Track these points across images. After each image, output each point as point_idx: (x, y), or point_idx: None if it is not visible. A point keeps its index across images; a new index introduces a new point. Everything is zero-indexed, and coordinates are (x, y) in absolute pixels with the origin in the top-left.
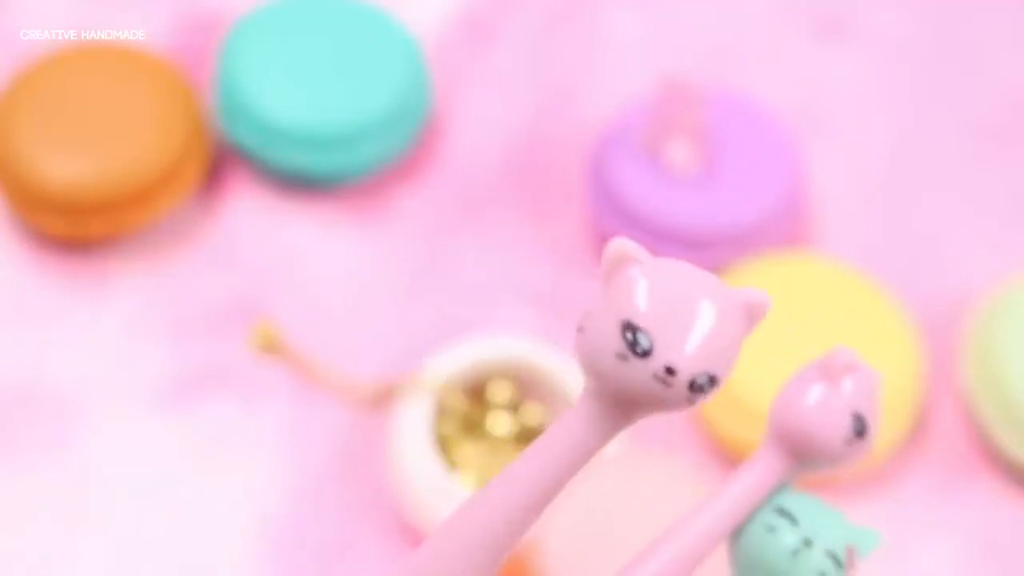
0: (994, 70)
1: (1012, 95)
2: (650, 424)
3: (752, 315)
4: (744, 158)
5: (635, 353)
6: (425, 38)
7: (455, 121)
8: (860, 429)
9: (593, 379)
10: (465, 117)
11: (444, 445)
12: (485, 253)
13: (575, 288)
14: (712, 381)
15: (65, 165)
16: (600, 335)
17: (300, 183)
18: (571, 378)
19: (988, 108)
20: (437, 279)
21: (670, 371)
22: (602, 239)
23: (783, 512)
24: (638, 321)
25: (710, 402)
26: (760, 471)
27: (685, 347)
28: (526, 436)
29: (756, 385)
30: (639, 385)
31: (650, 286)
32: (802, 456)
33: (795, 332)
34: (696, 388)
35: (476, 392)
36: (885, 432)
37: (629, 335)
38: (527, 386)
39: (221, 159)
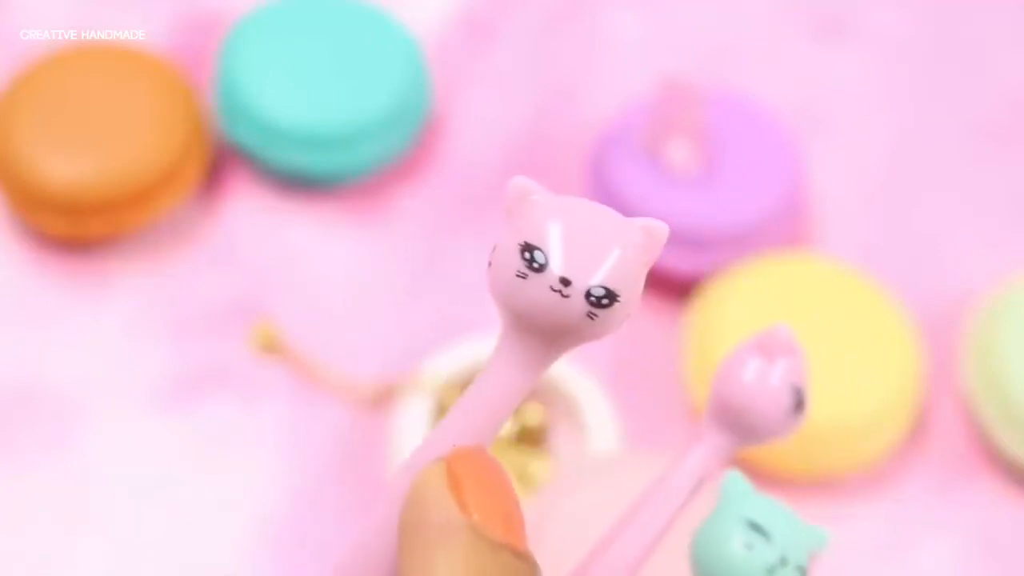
0: (994, 70)
1: (1012, 95)
2: (650, 424)
3: (649, 240)
4: (744, 158)
5: (532, 269)
6: (425, 38)
7: (455, 121)
8: (799, 402)
9: (504, 310)
10: (465, 117)
11: None
12: (485, 253)
13: None
14: (610, 295)
15: (65, 165)
16: (504, 261)
17: (300, 183)
18: (571, 378)
19: (988, 108)
20: (437, 279)
21: (564, 281)
22: None
23: (756, 527)
24: (534, 241)
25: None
26: (705, 450)
27: (577, 258)
28: (526, 436)
29: None
30: (540, 300)
31: (545, 212)
32: (744, 431)
33: (795, 332)
34: (593, 301)
35: None
36: (885, 432)
37: (527, 254)
38: None
39: (221, 159)
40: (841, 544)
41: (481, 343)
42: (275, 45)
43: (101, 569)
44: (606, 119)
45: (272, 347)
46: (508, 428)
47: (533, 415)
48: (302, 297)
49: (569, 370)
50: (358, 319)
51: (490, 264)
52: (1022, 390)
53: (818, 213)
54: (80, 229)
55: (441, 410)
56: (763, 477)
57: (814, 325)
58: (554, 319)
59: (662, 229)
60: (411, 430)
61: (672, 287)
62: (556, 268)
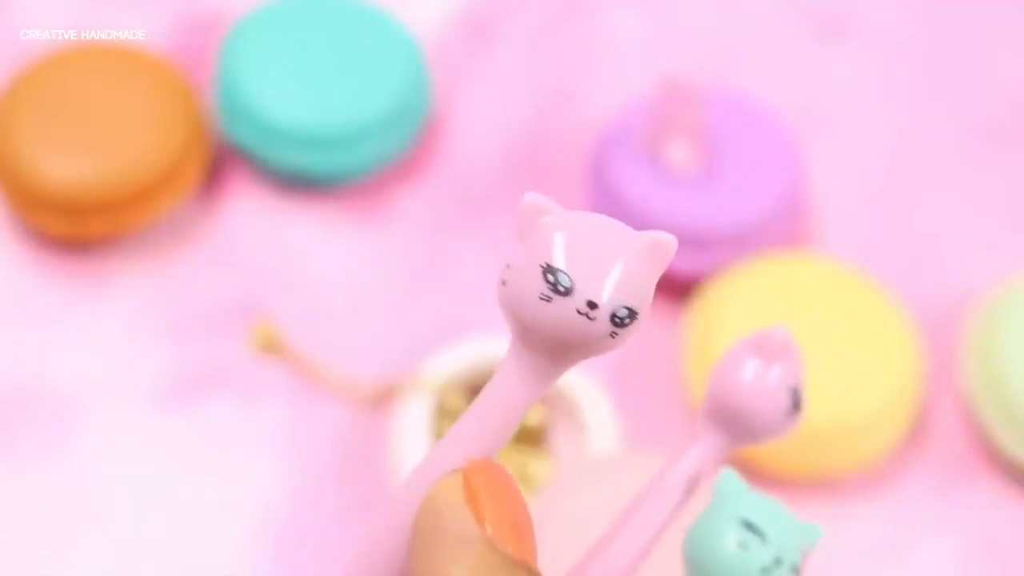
0: (994, 70)
1: (1012, 95)
2: (650, 424)
3: (658, 254)
4: (744, 158)
5: (557, 292)
6: (425, 38)
7: (455, 121)
8: (796, 403)
9: (520, 329)
10: (465, 117)
11: None
12: (485, 253)
13: None
14: (631, 314)
15: (65, 165)
16: (523, 282)
17: (300, 183)
18: (570, 378)
19: (988, 108)
20: (437, 279)
21: (592, 305)
22: None
23: (750, 526)
24: (557, 263)
25: None
26: (701, 450)
27: (603, 281)
28: (526, 436)
29: None
30: (565, 323)
31: (565, 232)
32: (740, 431)
33: (795, 332)
34: (617, 321)
35: (476, 392)
36: (885, 432)
37: (550, 277)
38: None
39: (221, 159)
40: (841, 544)
41: (481, 343)
42: (275, 45)
43: (101, 569)
44: (606, 119)
45: (272, 347)
46: None
47: (533, 415)
48: (302, 297)
49: (570, 370)
50: (358, 319)
51: (504, 283)
52: (1022, 390)
53: (818, 213)
54: (80, 229)
55: (441, 410)
56: (763, 477)
57: (814, 325)
58: (578, 340)
59: (672, 243)
60: (411, 430)
61: (672, 287)
62: (584, 292)
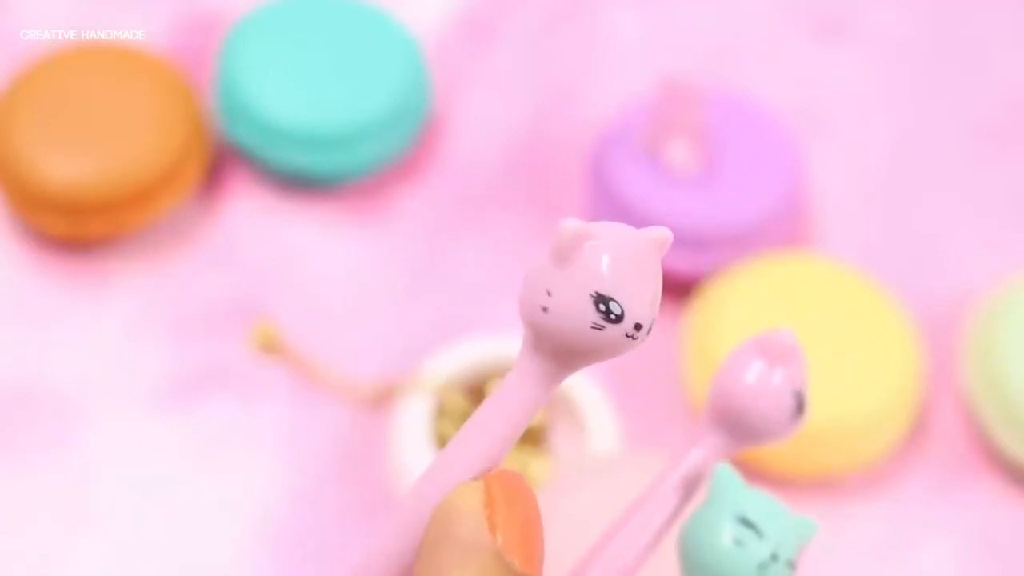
0: (994, 70)
1: (1012, 95)
2: (650, 424)
3: (662, 252)
4: (744, 158)
5: (610, 321)
6: (425, 38)
7: (455, 121)
8: (800, 406)
9: (537, 338)
10: (465, 117)
11: (444, 445)
12: (485, 253)
13: None
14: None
15: (65, 165)
16: (572, 311)
17: (300, 183)
18: (571, 378)
19: (988, 108)
20: (437, 279)
21: (638, 327)
22: None
23: (747, 522)
24: (608, 292)
25: None
26: (703, 450)
27: (647, 302)
28: (525, 436)
29: None
30: (614, 346)
31: (608, 257)
32: (743, 433)
33: (795, 332)
34: (645, 333)
35: (476, 392)
36: (885, 432)
37: (602, 307)
38: None
39: (221, 159)
40: (841, 544)
41: (481, 343)
42: (275, 45)
43: (101, 569)
44: (606, 119)
45: (272, 347)
46: None
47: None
48: (302, 297)
49: None
50: (358, 319)
51: (546, 309)
52: (1022, 390)
53: (818, 213)
54: (80, 229)
55: (441, 410)
56: (763, 477)
57: (814, 325)
58: (609, 354)
59: (668, 238)
60: (411, 430)
61: (672, 287)
62: (633, 316)
